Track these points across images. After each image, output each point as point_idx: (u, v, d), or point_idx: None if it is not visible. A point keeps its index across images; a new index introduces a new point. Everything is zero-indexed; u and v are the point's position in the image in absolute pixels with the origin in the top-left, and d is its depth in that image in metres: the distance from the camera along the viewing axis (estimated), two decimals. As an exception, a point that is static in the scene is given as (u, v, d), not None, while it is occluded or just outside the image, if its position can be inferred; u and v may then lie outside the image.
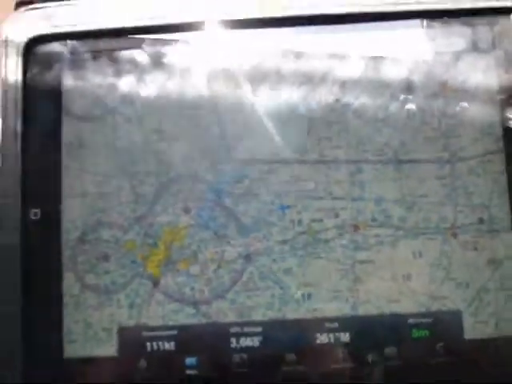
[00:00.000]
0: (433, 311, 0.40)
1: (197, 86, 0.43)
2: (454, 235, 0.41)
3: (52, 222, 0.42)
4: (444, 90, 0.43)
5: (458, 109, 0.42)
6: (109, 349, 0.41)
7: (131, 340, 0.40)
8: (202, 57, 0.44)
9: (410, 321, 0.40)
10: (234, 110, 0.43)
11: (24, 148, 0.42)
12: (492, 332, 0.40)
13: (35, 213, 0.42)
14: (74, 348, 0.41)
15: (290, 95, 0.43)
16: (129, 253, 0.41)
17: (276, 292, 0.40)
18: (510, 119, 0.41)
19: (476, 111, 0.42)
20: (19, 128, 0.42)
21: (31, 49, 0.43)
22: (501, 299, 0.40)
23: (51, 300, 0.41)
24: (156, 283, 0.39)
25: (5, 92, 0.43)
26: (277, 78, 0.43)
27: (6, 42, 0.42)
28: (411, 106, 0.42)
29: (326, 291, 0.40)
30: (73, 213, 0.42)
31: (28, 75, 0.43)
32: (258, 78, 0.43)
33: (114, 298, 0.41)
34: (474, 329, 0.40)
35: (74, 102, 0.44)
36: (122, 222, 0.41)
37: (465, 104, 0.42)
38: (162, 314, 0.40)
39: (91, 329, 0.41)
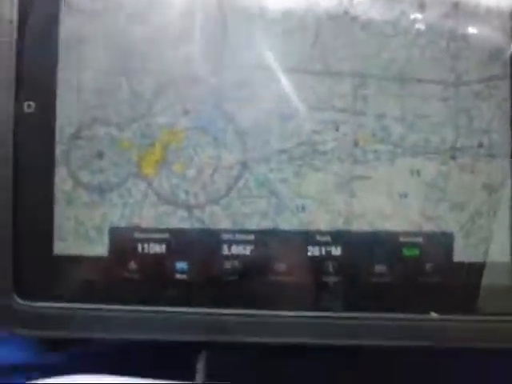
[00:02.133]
0: (425, 231, 0.37)
1: None
2: (453, 157, 0.38)
3: (46, 115, 0.38)
4: (455, 11, 0.38)
5: (467, 31, 0.38)
6: (99, 248, 0.37)
7: (122, 240, 0.37)
8: None
9: (402, 239, 0.37)
10: (241, 16, 0.38)
11: (20, 37, 0.38)
12: (481, 256, 0.36)
13: (29, 105, 0.37)
14: (64, 245, 0.37)
15: (297, 3, 0.38)
16: (124, 151, 0.37)
17: (271, 201, 0.37)
18: None
19: (486, 35, 0.38)
20: (15, 17, 0.38)
21: None
22: (493, 225, 0.37)
23: (43, 195, 0.37)
24: (150, 184, 0.35)
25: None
26: None
27: None
28: (421, 25, 0.38)
29: (320, 204, 0.37)
30: (68, 108, 0.38)
31: None
32: None
33: (106, 196, 0.37)
34: (463, 252, 0.37)
35: None
36: (118, 120, 0.38)
37: (475, 27, 0.38)
38: (155, 215, 0.37)
39: (82, 227, 0.37)
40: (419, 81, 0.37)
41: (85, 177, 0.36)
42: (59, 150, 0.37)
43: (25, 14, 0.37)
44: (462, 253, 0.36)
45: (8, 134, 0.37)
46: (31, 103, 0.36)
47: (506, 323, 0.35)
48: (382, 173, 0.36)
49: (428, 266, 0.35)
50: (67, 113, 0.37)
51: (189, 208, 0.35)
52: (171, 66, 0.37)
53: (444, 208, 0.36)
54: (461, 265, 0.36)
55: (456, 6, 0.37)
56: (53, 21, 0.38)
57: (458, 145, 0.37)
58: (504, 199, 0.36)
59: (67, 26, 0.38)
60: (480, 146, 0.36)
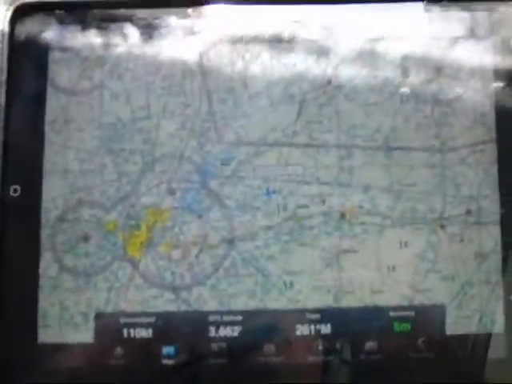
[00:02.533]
0: (416, 304, 0.36)
1: (186, 62, 0.38)
2: (442, 226, 0.36)
3: (32, 199, 0.37)
4: (439, 76, 0.38)
5: (451, 96, 0.38)
6: (84, 335, 0.36)
7: (108, 326, 0.36)
8: (193, 32, 0.39)
9: (392, 314, 0.36)
10: (224, 89, 0.38)
11: (6, 121, 0.37)
12: (475, 328, 0.35)
13: (15, 189, 0.37)
14: (49, 333, 0.36)
15: (281, 75, 0.38)
16: (109, 234, 0.37)
17: (258, 279, 0.36)
18: (503, 109, 0.34)
19: (469, 99, 0.38)
20: (2, 100, 0.37)
21: (18, 18, 0.38)
22: (485, 294, 0.36)
23: (27, 281, 0.36)
24: (136, 266, 0.34)
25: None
26: (268, 57, 0.38)
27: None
28: (404, 91, 0.38)
29: (308, 280, 0.36)
30: (54, 190, 0.37)
31: (14, 45, 0.38)
32: (250, 56, 0.38)
33: (92, 281, 0.36)
34: (456, 324, 0.36)
35: (60, 75, 0.38)
36: (104, 202, 0.37)
37: (459, 91, 0.37)
38: (141, 299, 0.36)
39: (67, 313, 0.36)
40: (405, 148, 0.36)
41: (70, 261, 0.36)
42: (44, 234, 0.36)
43: (12, 97, 0.37)
44: (454, 325, 0.35)
45: None
46: (17, 187, 0.36)
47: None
48: (370, 246, 0.35)
49: (420, 340, 0.34)
50: (53, 195, 0.37)
51: (175, 290, 0.35)
52: (155, 144, 0.36)
53: (434, 279, 0.35)
54: (454, 338, 0.35)
55: (439, 70, 0.37)
56: (39, 102, 0.38)
57: (446, 213, 0.35)
58: (495, 268, 0.34)
59: (53, 106, 0.38)
60: (468, 213, 0.35)
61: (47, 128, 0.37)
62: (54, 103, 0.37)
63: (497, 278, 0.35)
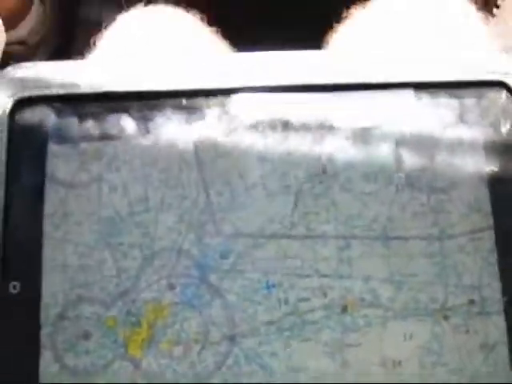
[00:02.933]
0: None
1: (183, 154, 0.39)
2: (445, 317, 0.36)
3: (31, 296, 0.36)
4: (432, 164, 0.38)
5: (446, 183, 0.38)
6: None
7: None
8: (190, 125, 0.39)
9: None
10: (220, 181, 0.38)
11: (5, 215, 0.37)
12: None
13: (14, 286, 0.36)
14: None
15: (276, 165, 0.38)
16: (110, 331, 0.36)
17: (263, 377, 0.35)
18: (498, 194, 0.36)
19: (464, 186, 0.38)
20: (1, 194, 0.37)
21: (17, 110, 0.38)
22: None
23: (27, 381, 0.36)
24: (137, 366, 0.32)
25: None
26: (263, 146, 0.38)
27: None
28: (399, 180, 0.38)
29: (313, 376, 0.35)
30: (53, 286, 0.37)
31: (13, 138, 0.38)
32: (244, 146, 0.38)
33: (92, 380, 0.35)
34: None
35: (58, 168, 0.38)
36: (104, 298, 0.36)
37: (453, 179, 0.38)
38: None
39: None
40: (403, 238, 0.35)
41: (71, 360, 0.35)
42: (44, 332, 0.35)
43: (11, 191, 0.37)
44: None
45: None
46: (17, 283, 0.35)
47: None
48: (374, 339, 0.35)
49: None
50: (52, 291, 0.36)
51: None
52: (154, 238, 0.35)
53: (441, 373, 0.34)
54: None
55: (432, 157, 0.37)
56: (38, 195, 0.38)
57: (449, 304, 0.35)
58: (502, 358, 0.33)
59: (52, 200, 0.38)
60: (471, 303, 0.34)
61: (46, 222, 0.37)
62: (52, 196, 0.37)
63: (505, 369, 0.33)
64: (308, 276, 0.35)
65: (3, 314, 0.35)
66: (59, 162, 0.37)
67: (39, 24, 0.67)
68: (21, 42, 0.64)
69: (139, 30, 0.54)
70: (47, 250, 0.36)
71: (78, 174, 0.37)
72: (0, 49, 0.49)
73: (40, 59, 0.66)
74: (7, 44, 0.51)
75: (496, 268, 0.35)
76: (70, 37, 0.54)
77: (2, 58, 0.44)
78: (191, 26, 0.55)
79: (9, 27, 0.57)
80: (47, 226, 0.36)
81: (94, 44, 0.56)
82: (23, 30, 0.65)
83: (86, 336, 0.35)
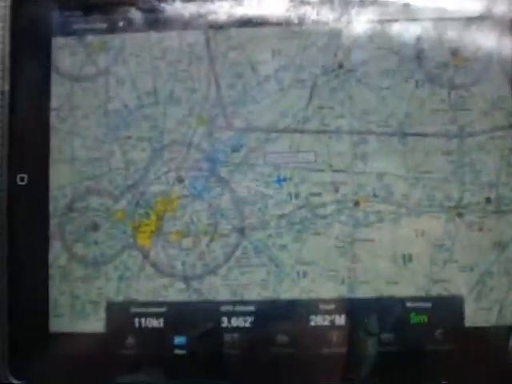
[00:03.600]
0: (433, 295, 0.37)
1: (193, 46, 0.40)
2: (459, 214, 0.37)
3: (39, 187, 0.39)
4: (455, 60, 0.39)
5: (468, 80, 0.38)
6: (96, 324, 0.38)
7: (119, 316, 0.37)
8: (200, 15, 0.40)
9: (409, 304, 0.37)
10: (232, 74, 0.39)
11: (11, 109, 0.39)
12: (495, 320, 0.36)
13: (22, 178, 0.38)
14: (60, 322, 0.38)
15: (291, 59, 0.39)
16: (119, 223, 0.38)
17: (271, 269, 0.37)
18: None
19: (487, 84, 0.38)
20: (6, 87, 0.39)
21: (20, 3, 0.40)
22: (505, 285, 0.36)
23: (37, 271, 0.38)
24: (146, 255, 0.36)
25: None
26: (278, 41, 0.39)
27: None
28: (419, 76, 0.38)
29: (322, 270, 0.37)
30: (61, 179, 0.39)
31: (16, 31, 0.39)
32: (258, 40, 0.40)
33: (102, 270, 0.38)
34: (475, 316, 0.36)
35: (64, 61, 0.40)
36: (112, 190, 0.38)
37: (476, 75, 0.38)
38: (152, 288, 0.37)
39: (78, 302, 0.38)
40: (420, 134, 0.37)
41: (80, 250, 0.37)
42: (53, 223, 0.37)
43: (16, 84, 0.38)
44: (473, 317, 0.36)
45: (1, 207, 0.37)
46: (24, 175, 0.37)
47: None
48: (385, 234, 0.36)
49: (438, 332, 0.35)
50: (60, 183, 0.38)
51: (186, 279, 0.36)
52: (163, 131, 0.38)
53: (452, 270, 0.36)
54: (473, 330, 0.36)
55: (455, 53, 0.37)
56: (43, 89, 0.39)
57: (465, 201, 0.36)
58: None
59: (57, 93, 0.39)
60: (488, 201, 0.36)
61: (52, 115, 0.38)
62: (58, 90, 0.38)
63: None
64: (320, 171, 0.38)
65: (12, 205, 0.38)
66: (65, 55, 0.39)
67: None
68: None
69: None
70: (54, 142, 0.39)
71: (84, 66, 0.39)
72: None
73: None
74: None
75: (515, 167, 0.37)
76: None
77: None
78: None
79: None
80: (53, 120, 0.38)
81: None
82: None
83: (95, 227, 0.38)
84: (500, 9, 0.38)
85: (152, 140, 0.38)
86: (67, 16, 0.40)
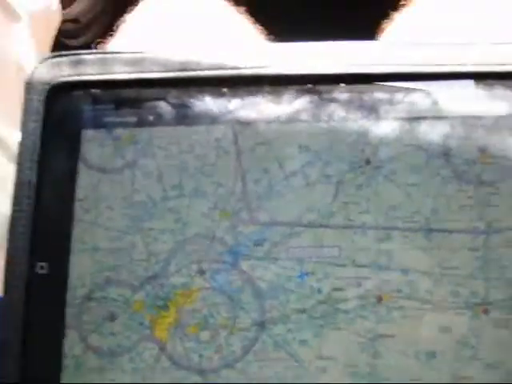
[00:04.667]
0: None
1: (221, 141, 0.51)
2: (485, 311, 0.46)
3: (59, 277, 0.49)
4: (482, 157, 0.49)
5: (495, 177, 0.48)
6: None
7: None
8: (229, 113, 0.51)
9: None
10: (259, 169, 0.50)
11: (37, 197, 0.50)
12: None
13: (42, 266, 0.49)
14: None
15: (318, 155, 0.50)
16: (136, 314, 0.48)
17: (290, 364, 0.46)
18: None
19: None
20: (34, 177, 0.50)
21: (53, 96, 0.52)
22: None
23: (51, 360, 0.48)
24: (163, 348, 0.44)
25: (23, 138, 0.50)
26: (305, 137, 0.50)
27: (29, 87, 0.51)
28: (446, 172, 0.48)
29: (343, 366, 0.47)
30: (81, 268, 0.50)
31: (48, 122, 0.51)
32: (286, 136, 0.50)
33: (117, 361, 0.48)
34: None
35: (92, 153, 0.52)
36: (132, 281, 0.49)
37: (503, 172, 0.48)
38: (168, 381, 0.47)
39: None
40: (446, 231, 0.47)
41: (95, 341, 0.48)
42: (71, 312, 0.48)
43: (43, 174, 0.50)
44: None
45: (20, 296, 0.47)
46: (44, 264, 0.48)
47: None
48: (408, 331, 0.46)
49: None
50: (80, 273, 0.49)
51: (203, 373, 0.46)
52: (186, 224, 0.47)
53: (477, 367, 0.45)
54: None
55: (483, 151, 0.48)
56: (70, 180, 0.51)
57: (490, 298, 0.46)
58: None
59: (84, 184, 0.51)
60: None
61: (77, 205, 0.50)
62: (84, 181, 0.51)
63: None
64: (344, 266, 0.47)
65: (30, 294, 0.48)
66: (93, 148, 0.51)
67: (92, 3, 0.85)
68: (74, 20, 0.81)
69: (166, 13, 0.69)
70: (77, 232, 0.50)
71: (112, 159, 0.51)
72: (56, 26, 0.66)
73: (91, 37, 0.83)
74: (62, 21, 0.68)
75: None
76: (120, 16, 0.70)
77: (56, 35, 0.60)
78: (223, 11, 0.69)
79: (64, 5, 0.74)
80: (78, 210, 0.50)
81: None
82: (77, 8, 0.82)
83: (112, 317, 0.48)
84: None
85: (175, 232, 0.49)
86: (98, 109, 0.52)
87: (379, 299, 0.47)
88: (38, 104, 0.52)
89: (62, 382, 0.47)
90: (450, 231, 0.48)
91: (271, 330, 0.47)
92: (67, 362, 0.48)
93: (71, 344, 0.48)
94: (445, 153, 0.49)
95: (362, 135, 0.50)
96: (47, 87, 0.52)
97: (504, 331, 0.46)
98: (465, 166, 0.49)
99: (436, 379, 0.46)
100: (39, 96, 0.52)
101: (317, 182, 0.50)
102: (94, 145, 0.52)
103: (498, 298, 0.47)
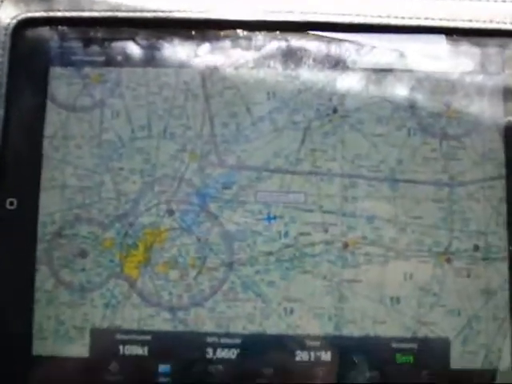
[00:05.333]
0: (419, 337, 0.47)
1: (190, 84, 0.51)
2: (448, 260, 0.49)
3: (29, 213, 0.49)
4: (448, 111, 0.50)
5: (460, 131, 0.50)
6: (80, 349, 0.48)
7: (104, 342, 0.48)
8: (199, 56, 0.51)
9: (395, 345, 0.47)
10: (227, 114, 0.50)
11: (4, 134, 0.49)
12: (480, 363, 0.47)
13: (11, 202, 0.49)
14: (44, 345, 0.48)
15: (286, 102, 0.50)
16: (107, 251, 0.49)
17: (257, 304, 0.48)
18: None
19: (479, 135, 0.50)
20: (1, 113, 0.49)
21: (20, 31, 0.51)
22: (492, 330, 0.47)
23: (23, 294, 0.48)
24: (133, 285, 0.46)
25: (-11, 75, 0.49)
26: (274, 83, 0.50)
27: (-5, 23, 0.49)
28: (412, 124, 0.50)
29: (309, 308, 0.48)
30: (51, 205, 0.49)
31: (14, 58, 0.50)
32: (254, 82, 0.51)
33: (88, 296, 0.48)
34: (461, 358, 0.47)
35: (60, 90, 0.51)
36: (102, 219, 0.49)
37: (468, 127, 0.50)
38: (138, 317, 0.48)
39: (63, 327, 0.48)
40: (411, 181, 0.49)
41: (66, 276, 0.48)
42: (41, 248, 0.48)
43: (11, 110, 0.50)
44: (459, 360, 0.47)
45: None
46: (13, 200, 0.48)
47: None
48: (373, 276, 0.48)
49: (423, 373, 0.46)
50: (50, 210, 0.49)
51: (172, 310, 0.47)
52: (156, 164, 0.48)
53: (439, 313, 0.47)
54: (458, 372, 0.47)
55: (448, 105, 0.50)
56: (38, 117, 0.50)
57: (453, 248, 0.48)
58: (503, 304, 0.47)
59: (52, 122, 0.50)
60: (476, 249, 0.48)
61: (46, 143, 0.50)
62: (53, 118, 0.50)
63: (505, 315, 0.48)
64: (310, 211, 0.48)
65: (0, 230, 0.47)
66: (61, 85, 0.51)
67: None
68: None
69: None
70: (46, 170, 0.50)
71: (81, 97, 0.51)
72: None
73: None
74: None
75: (504, 217, 0.48)
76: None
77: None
78: None
79: None
80: (47, 147, 0.50)
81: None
82: None
83: (83, 254, 0.48)
84: (492, 66, 0.49)
85: (143, 172, 0.49)
86: (66, 47, 0.51)
87: (345, 245, 0.49)
88: (4, 39, 0.51)
89: (34, 315, 0.48)
90: (415, 182, 0.49)
91: (239, 271, 0.48)
92: (39, 295, 0.48)
93: (43, 279, 0.48)
94: (411, 105, 0.51)
95: (330, 84, 0.51)
96: (14, 22, 0.51)
97: (465, 280, 0.48)
98: (430, 119, 0.50)
99: (400, 323, 0.48)
100: (5, 31, 0.51)
101: (284, 129, 0.50)
102: (62, 82, 0.51)
103: (460, 248, 0.49)
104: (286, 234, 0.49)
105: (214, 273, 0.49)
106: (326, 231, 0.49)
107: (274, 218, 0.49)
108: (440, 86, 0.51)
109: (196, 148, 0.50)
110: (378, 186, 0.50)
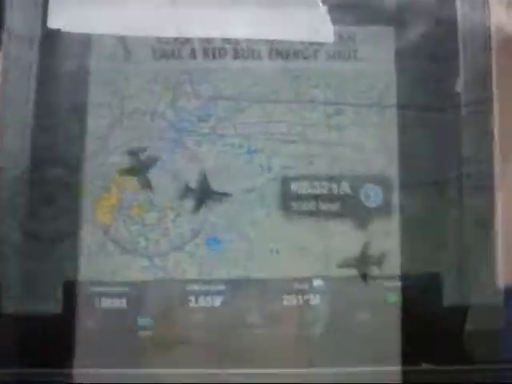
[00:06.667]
0: (410, 273, 0.45)
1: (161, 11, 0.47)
2: (439, 190, 0.46)
3: None
4: (436, 29, 0.47)
5: (449, 53, 0.47)
6: (52, 305, 0.44)
7: (78, 296, 0.44)
8: None
9: (385, 283, 0.45)
10: (202, 39, 0.46)
11: None
12: (473, 299, 0.45)
13: None
14: (13, 303, 0.44)
15: (266, 28, 0.47)
16: (76, 196, 0.44)
17: (241, 246, 0.45)
18: (502, 68, 0.46)
19: (469, 56, 0.47)
20: None
21: None
22: (485, 263, 0.45)
23: None
24: (106, 231, 0.41)
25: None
26: (255, 3, 0.46)
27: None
28: (399, 44, 0.47)
29: (296, 248, 0.44)
30: (11, 147, 0.45)
31: None
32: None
33: (59, 247, 0.44)
34: (453, 295, 0.45)
35: (17, 20, 0.46)
36: (69, 161, 0.43)
37: (457, 48, 0.47)
38: (113, 267, 0.44)
39: (33, 282, 0.44)
40: (400, 107, 0.43)
41: (34, 226, 0.43)
42: (4, 196, 0.44)
43: None
44: (451, 296, 0.43)
45: None
46: None
47: (495, 372, 0.41)
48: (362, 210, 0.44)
49: (415, 311, 0.42)
50: (10, 153, 0.44)
51: (150, 256, 0.42)
52: (125, 98, 0.43)
53: (430, 247, 0.43)
54: (451, 309, 0.44)
55: (437, 25, 0.45)
56: None
57: (444, 177, 0.43)
58: (495, 234, 0.43)
59: (9, 54, 0.46)
60: (468, 176, 0.43)
61: (2, 78, 0.44)
62: (9, 50, 0.46)
63: (497, 245, 0.44)
64: (294, 142, 0.44)
65: None
66: (18, 12, 0.45)
67: None
68: None
69: None
70: (5, 108, 0.45)
71: (36, 25, 0.45)
72: None
73: None
74: None
75: (497, 143, 0.45)
76: None
77: None
78: None
79: None
80: (5, 83, 0.45)
81: None
82: None
83: (50, 201, 0.44)
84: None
85: (113, 107, 0.44)
86: None
87: (331, 178, 0.45)
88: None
89: (0, 270, 0.44)
90: (404, 107, 0.46)
91: (220, 211, 0.44)
92: (4, 249, 0.44)
93: (7, 230, 0.44)
94: (398, 23, 0.47)
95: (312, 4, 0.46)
96: None
97: (457, 210, 0.46)
98: (418, 38, 0.47)
99: (389, 259, 0.45)
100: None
101: (264, 55, 0.46)
102: (18, 11, 0.47)
103: (451, 177, 0.46)
104: (269, 169, 0.45)
105: (193, 214, 0.44)
106: (312, 164, 0.45)
107: (255, 151, 0.45)
108: (428, 5, 0.48)
109: (168, 78, 0.46)
110: (365, 112, 0.46)
